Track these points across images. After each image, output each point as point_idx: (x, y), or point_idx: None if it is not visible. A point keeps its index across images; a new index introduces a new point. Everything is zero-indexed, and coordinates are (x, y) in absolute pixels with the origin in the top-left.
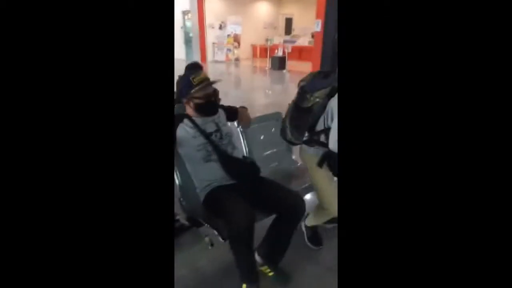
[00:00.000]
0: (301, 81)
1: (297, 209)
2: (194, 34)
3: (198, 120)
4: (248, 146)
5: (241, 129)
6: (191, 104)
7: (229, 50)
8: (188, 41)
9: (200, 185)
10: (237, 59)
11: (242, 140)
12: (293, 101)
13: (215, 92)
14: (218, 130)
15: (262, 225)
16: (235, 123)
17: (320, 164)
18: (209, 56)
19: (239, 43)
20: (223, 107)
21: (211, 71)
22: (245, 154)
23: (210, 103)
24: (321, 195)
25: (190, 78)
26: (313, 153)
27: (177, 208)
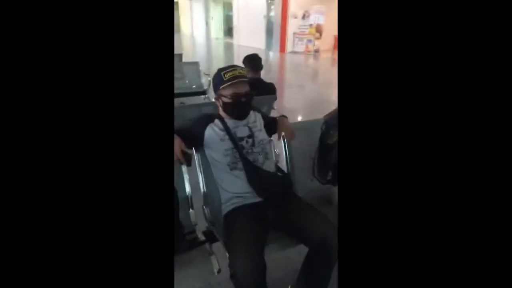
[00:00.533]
0: (326, 115)
1: (327, 245)
2: (275, 23)
3: (230, 122)
4: (290, 158)
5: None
6: (220, 102)
7: (309, 41)
8: (269, 30)
9: (224, 196)
10: (316, 51)
11: (283, 150)
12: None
13: (248, 92)
14: (251, 136)
15: (299, 252)
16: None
17: None
18: (289, 47)
19: (321, 34)
20: (262, 114)
21: (288, 62)
22: (284, 166)
23: (239, 104)
24: None
25: (222, 73)
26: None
27: (199, 217)
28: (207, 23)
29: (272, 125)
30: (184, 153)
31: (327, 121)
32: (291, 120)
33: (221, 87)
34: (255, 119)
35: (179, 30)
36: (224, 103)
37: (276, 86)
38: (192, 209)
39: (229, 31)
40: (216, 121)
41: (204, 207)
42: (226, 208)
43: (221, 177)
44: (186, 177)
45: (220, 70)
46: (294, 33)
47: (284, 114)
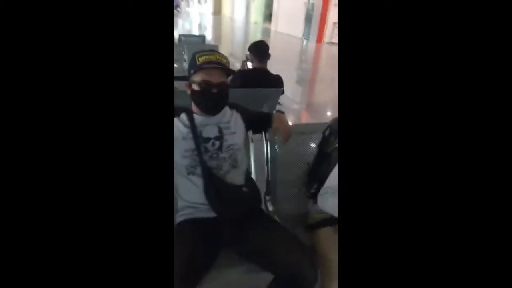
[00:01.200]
0: (332, 120)
1: (297, 274)
2: (316, 11)
3: (198, 119)
4: (271, 165)
5: (270, 141)
6: (189, 91)
7: None
8: (309, 18)
9: (178, 203)
10: None
11: (265, 156)
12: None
13: (222, 83)
14: (220, 138)
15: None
16: (265, 135)
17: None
18: (327, 37)
19: None
20: (246, 110)
21: (324, 53)
22: (267, 175)
23: (208, 95)
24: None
25: (196, 56)
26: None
27: None
28: (247, 7)
29: (265, 121)
30: None
31: (331, 126)
32: (318, 117)
33: (192, 71)
34: (230, 118)
35: (220, 12)
36: (192, 92)
37: (308, 79)
38: None
39: (269, 16)
40: (182, 115)
41: None
42: (178, 218)
43: (177, 181)
44: None
45: (195, 53)
46: (334, 23)
47: (313, 109)
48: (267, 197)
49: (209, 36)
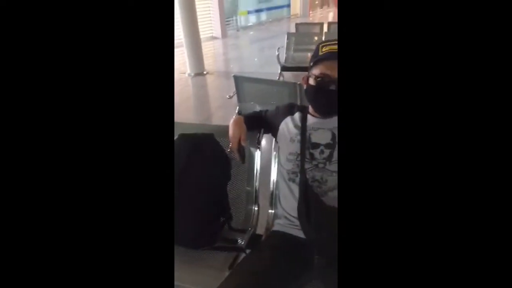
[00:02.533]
0: None
1: None
2: None
3: (311, 119)
4: None
5: None
6: (304, 86)
7: None
8: None
9: (277, 209)
10: None
11: None
12: None
13: None
14: (331, 146)
15: None
16: None
17: None
18: None
19: None
20: None
21: None
22: None
23: (324, 92)
24: None
25: (320, 46)
26: None
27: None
28: None
29: None
30: (239, 147)
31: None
32: None
33: (312, 63)
34: None
35: None
36: (308, 87)
37: None
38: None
39: None
40: (296, 115)
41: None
42: (275, 225)
43: (280, 184)
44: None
45: (321, 43)
46: None
47: None
48: None
49: None
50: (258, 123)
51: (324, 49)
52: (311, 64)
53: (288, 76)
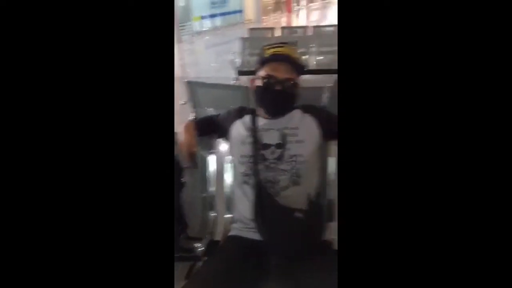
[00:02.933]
0: None
1: None
2: None
3: (261, 121)
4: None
5: None
6: (252, 88)
7: None
8: None
9: (234, 214)
10: None
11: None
12: None
13: (288, 79)
14: (282, 145)
15: None
16: None
17: None
18: None
19: None
20: (328, 116)
21: None
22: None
23: (271, 92)
24: None
25: (263, 49)
26: None
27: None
28: None
29: None
30: (190, 152)
31: None
32: None
33: (257, 66)
34: (299, 124)
35: None
36: (255, 89)
37: None
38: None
39: None
40: (246, 117)
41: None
42: (231, 229)
43: (234, 189)
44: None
45: (265, 45)
46: None
47: None
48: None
49: None
50: (211, 128)
51: (268, 51)
52: (258, 67)
53: (245, 80)
